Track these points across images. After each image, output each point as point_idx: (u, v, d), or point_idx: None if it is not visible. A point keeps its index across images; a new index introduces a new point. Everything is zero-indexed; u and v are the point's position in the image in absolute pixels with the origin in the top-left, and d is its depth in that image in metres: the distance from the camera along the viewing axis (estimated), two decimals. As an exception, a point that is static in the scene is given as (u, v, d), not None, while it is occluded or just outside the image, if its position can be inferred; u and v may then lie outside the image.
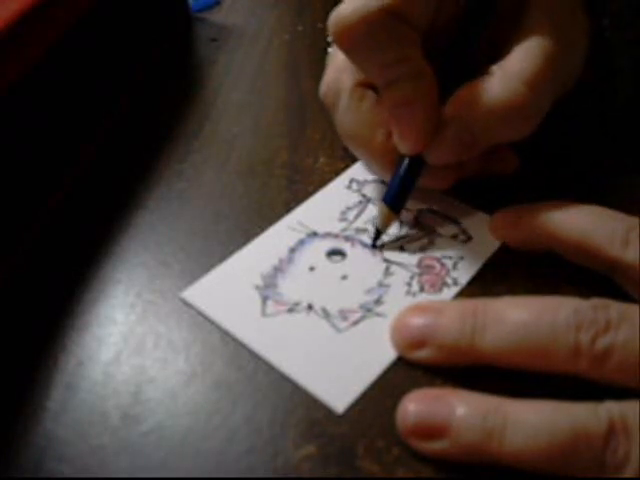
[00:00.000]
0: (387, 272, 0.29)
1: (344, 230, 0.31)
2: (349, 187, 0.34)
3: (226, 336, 0.27)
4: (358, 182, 0.34)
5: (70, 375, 0.25)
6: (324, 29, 0.28)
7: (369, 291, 0.28)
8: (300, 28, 0.49)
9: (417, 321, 0.25)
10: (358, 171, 0.34)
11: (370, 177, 0.34)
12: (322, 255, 0.30)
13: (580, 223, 0.27)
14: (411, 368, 0.25)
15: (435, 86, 0.28)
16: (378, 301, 0.28)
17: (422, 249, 0.30)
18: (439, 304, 0.26)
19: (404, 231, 0.31)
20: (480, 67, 0.29)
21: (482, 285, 0.28)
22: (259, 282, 0.28)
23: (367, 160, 0.32)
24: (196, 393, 0.25)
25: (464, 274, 0.29)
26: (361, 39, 0.27)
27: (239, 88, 0.42)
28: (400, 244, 0.30)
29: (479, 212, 0.31)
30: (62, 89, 0.34)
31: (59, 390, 0.25)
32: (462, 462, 0.22)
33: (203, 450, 0.23)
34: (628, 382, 0.22)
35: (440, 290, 0.28)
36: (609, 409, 0.21)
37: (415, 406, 0.23)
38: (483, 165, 0.32)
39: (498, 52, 0.29)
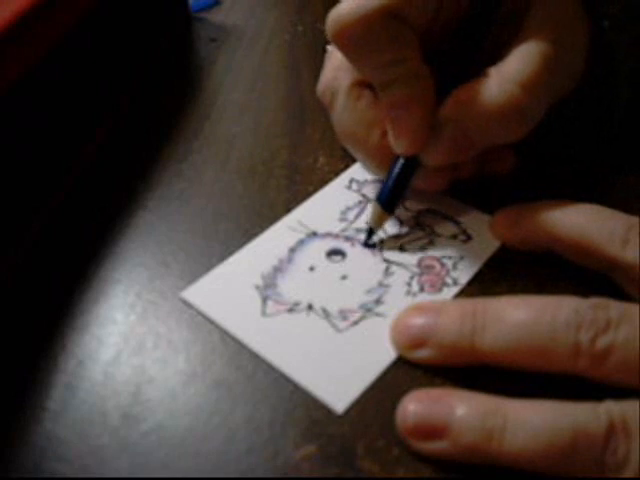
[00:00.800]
0: (387, 272, 0.29)
1: (344, 230, 0.31)
2: (349, 187, 0.34)
3: (226, 336, 0.27)
4: (358, 182, 0.34)
5: (70, 375, 0.25)
6: (324, 29, 0.28)
7: (369, 291, 0.28)
8: (300, 28, 0.49)
9: (417, 321, 0.25)
10: (358, 171, 0.34)
11: (370, 177, 0.34)
12: (322, 255, 0.30)
13: (579, 222, 0.27)
14: (411, 368, 0.25)
15: (432, 88, 0.28)
16: (378, 301, 0.28)
17: (422, 249, 0.30)
18: (439, 304, 0.26)
19: (404, 231, 0.31)
20: (482, 70, 0.29)
21: (482, 285, 0.28)
22: (259, 282, 0.28)
23: (363, 159, 0.32)
24: (196, 393, 0.25)
25: (464, 274, 0.29)
26: (358, 39, 0.27)
27: (239, 88, 0.42)
28: (400, 244, 0.30)
29: (479, 212, 0.31)
30: (62, 89, 0.34)
31: (59, 390, 0.25)
32: (462, 462, 0.22)
33: (203, 450, 0.23)
34: (628, 382, 0.22)
35: (440, 290, 0.28)
36: (609, 409, 0.21)
37: (415, 406, 0.23)
38: (479, 167, 0.32)
39: (500, 55, 0.29)
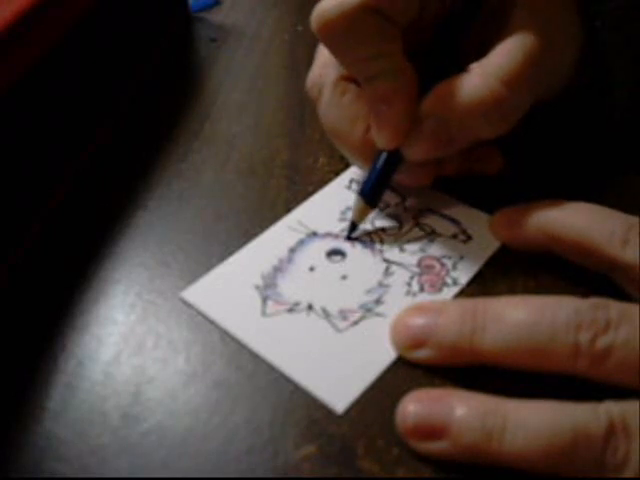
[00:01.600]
0: (387, 272, 0.29)
1: (344, 230, 0.31)
2: (349, 187, 0.34)
3: (226, 336, 0.27)
4: (358, 182, 0.34)
5: (70, 375, 0.25)
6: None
7: (369, 291, 0.28)
8: (300, 28, 0.49)
9: (417, 321, 0.25)
10: (358, 171, 0.34)
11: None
12: (322, 255, 0.30)
13: (579, 222, 0.27)
14: (411, 368, 0.25)
15: (415, 82, 0.28)
16: (378, 301, 0.28)
17: (422, 249, 0.30)
18: (439, 304, 0.26)
19: (404, 231, 0.31)
20: (466, 65, 0.29)
21: (482, 285, 0.28)
22: (259, 282, 0.28)
23: (347, 154, 0.32)
24: (196, 393, 0.25)
25: (464, 274, 0.29)
26: (341, 33, 0.27)
27: (239, 88, 0.42)
28: (400, 244, 0.30)
29: (479, 212, 0.31)
30: (62, 89, 0.34)
31: (59, 390, 0.25)
32: (462, 462, 0.22)
33: (203, 450, 0.23)
34: (628, 382, 0.22)
35: (440, 290, 0.28)
36: (609, 409, 0.21)
37: (415, 406, 0.23)
38: (465, 164, 0.32)
39: (485, 51, 0.29)
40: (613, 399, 0.21)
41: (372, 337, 0.26)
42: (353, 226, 0.30)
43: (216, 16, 0.51)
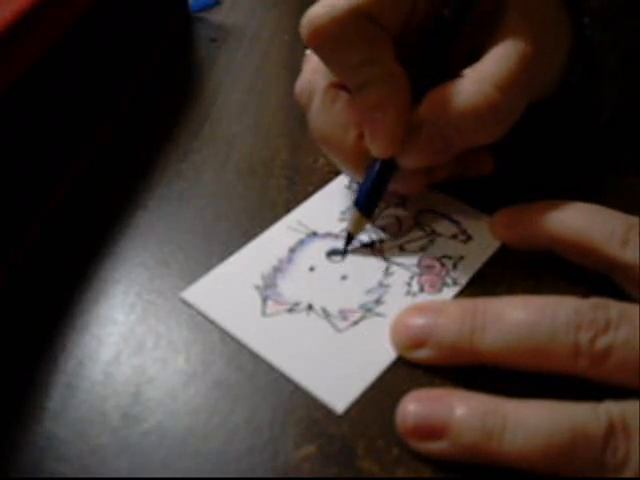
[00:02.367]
0: (387, 272, 0.29)
1: (344, 230, 0.31)
2: (349, 187, 0.34)
3: (226, 336, 0.27)
4: (358, 182, 0.34)
5: (70, 375, 0.25)
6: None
7: (369, 291, 0.28)
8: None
9: (417, 321, 0.25)
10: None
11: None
12: (322, 255, 0.30)
13: (579, 222, 0.27)
14: (411, 368, 0.25)
15: (407, 89, 0.28)
16: (378, 301, 0.28)
17: (422, 249, 0.30)
18: (439, 304, 0.26)
19: (404, 231, 0.31)
20: (459, 71, 0.29)
21: (482, 285, 0.28)
22: (259, 282, 0.29)
23: (339, 162, 0.31)
24: (196, 393, 0.25)
25: (464, 274, 0.29)
26: (330, 40, 0.27)
27: (239, 88, 0.42)
28: (400, 244, 0.30)
29: (479, 212, 0.31)
30: (62, 89, 0.34)
31: (59, 390, 0.25)
32: (462, 462, 0.22)
33: (203, 450, 0.23)
34: (628, 382, 0.22)
35: (440, 290, 0.28)
36: (609, 409, 0.21)
37: (415, 406, 0.23)
38: (457, 169, 0.31)
39: (478, 55, 0.29)
40: (613, 399, 0.21)
41: (372, 337, 0.26)
42: (349, 237, 0.30)
43: (216, 16, 0.51)
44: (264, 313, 0.27)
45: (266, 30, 0.49)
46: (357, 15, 0.27)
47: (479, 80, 0.27)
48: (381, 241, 0.30)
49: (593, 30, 0.30)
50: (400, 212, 0.32)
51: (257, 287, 0.28)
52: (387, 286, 0.28)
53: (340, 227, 0.31)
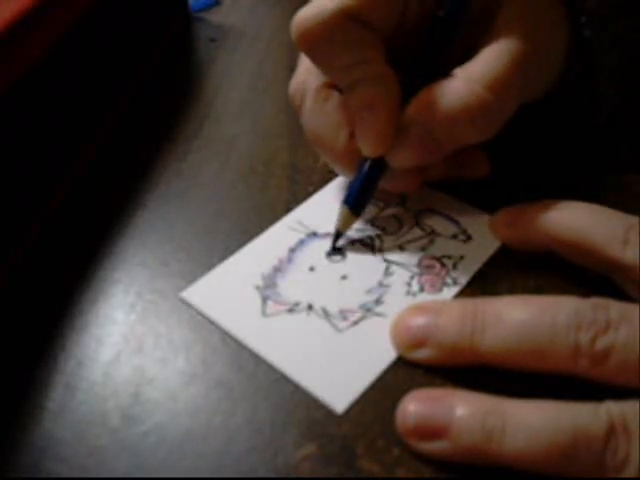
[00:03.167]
0: (387, 272, 0.29)
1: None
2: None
3: (226, 336, 0.27)
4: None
5: (69, 375, 0.25)
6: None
7: (369, 291, 0.28)
8: (300, 28, 0.49)
9: (417, 321, 0.25)
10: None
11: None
12: (322, 255, 0.30)
13: (579, 222, 0.27)
14: (411, 368, 0.25)
15: (397, 89, 0.28)
16: (378, 301, 0.28)
17: (422, 249, 0.30)
18: (439, 304, 0.26)
19: (404, 231, 0.31)
20: (450, 71, 0.29)
21: (482, 285, 0.28)
22: (259, 282, 0.28)
23: (331, 161, 0.31)
24: (196, 393, 0.25)
25: (464, 274, 0.29)
26: (320, 42, 0.27)
27: (239, 88, 0.42)
28: (400, 244, 0.30)
29: (479, 212, 0.31)
30: (62, 89, 0.34)
31: (58, 390, 0.25)
32: (462, 462, 0.22)
33: (203, 450, 0.23)
34: (628, 382, 0.22)
35: (440, 290, 0.28)
36: (609, 409, 0.21)
37: (415, 406, 0.23)
38: (451, 169, 0.31)
39: (470, 55, 0.29)
40: (613, 399, 0.21)
41: (372, 337, 0.26)
42: (338, 235, 0.30)
43: (216, 16, 0.51)
44: (264, 313, 0.27)
45: (266, 30, 0.49)
46: (345, 17, 0.27)
47: (469, 80, 0.27)
48: (381, 241, 0.30)
49: (591, 29, 0.30)
50: (400, 212, 0.32)
51: (257, 287, 0.28)
52: (387, 286, 0.28)
53: (340, 227, 0.31)
